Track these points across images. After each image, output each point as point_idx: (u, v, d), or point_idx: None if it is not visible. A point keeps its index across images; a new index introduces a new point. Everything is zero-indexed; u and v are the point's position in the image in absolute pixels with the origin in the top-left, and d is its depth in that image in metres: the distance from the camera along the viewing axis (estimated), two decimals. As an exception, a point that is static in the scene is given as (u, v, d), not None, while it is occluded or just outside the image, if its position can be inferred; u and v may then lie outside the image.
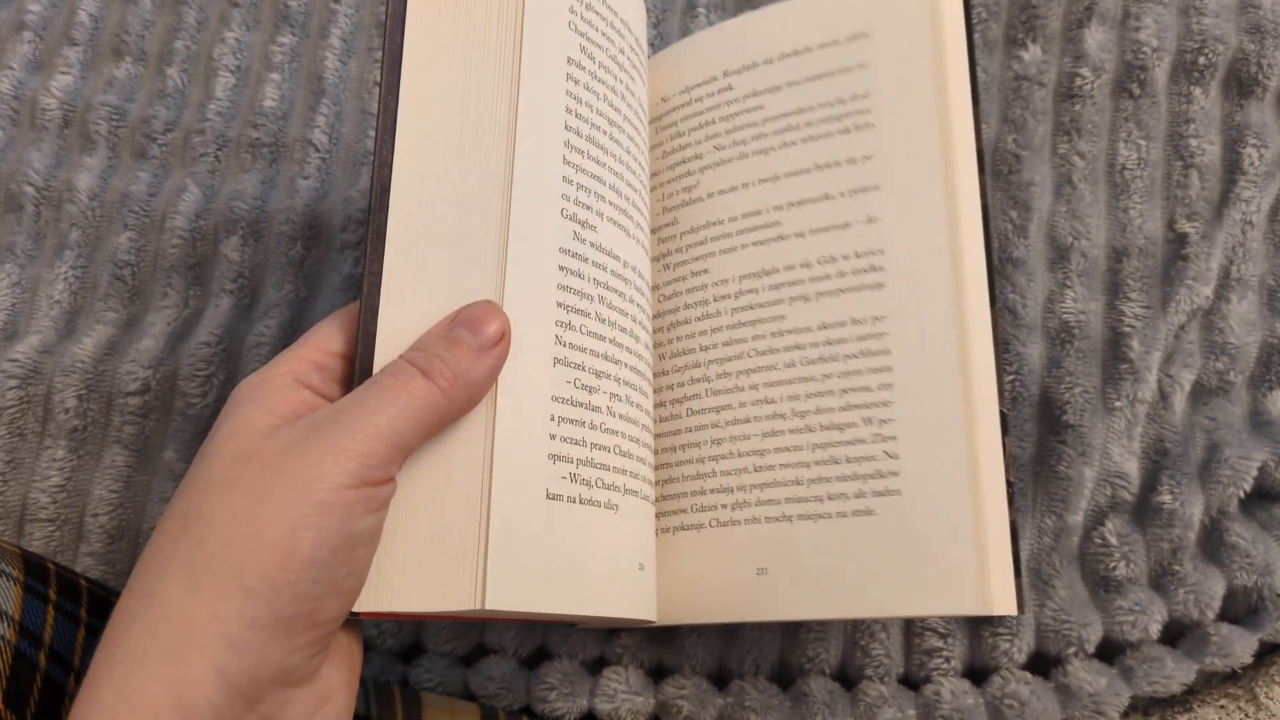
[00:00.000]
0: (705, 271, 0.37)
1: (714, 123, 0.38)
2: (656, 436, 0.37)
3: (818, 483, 0.34)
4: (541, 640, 0.43)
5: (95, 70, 0.53)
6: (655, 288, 0.38)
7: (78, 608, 0.32)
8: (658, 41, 0.51)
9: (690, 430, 0.36)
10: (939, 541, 0.32)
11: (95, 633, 0.32)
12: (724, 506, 0.35)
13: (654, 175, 0.39)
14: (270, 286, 0.47)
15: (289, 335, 0.46)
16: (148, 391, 0.46)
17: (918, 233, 0.34)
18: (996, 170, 0.46)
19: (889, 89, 0.36)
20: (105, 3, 0.54)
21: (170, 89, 0.52)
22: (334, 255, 0.48)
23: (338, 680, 0.29)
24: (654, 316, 0.38)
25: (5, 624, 0.29)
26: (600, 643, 0.42)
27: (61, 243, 0.50)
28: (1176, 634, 0.42)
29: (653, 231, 0.39)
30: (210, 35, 0.53)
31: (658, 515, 0.36)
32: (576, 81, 0.34)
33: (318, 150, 0.50)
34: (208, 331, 0.46)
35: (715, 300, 0.37)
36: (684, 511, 0.36)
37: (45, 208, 0.50)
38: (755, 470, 0.35)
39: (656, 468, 0.36)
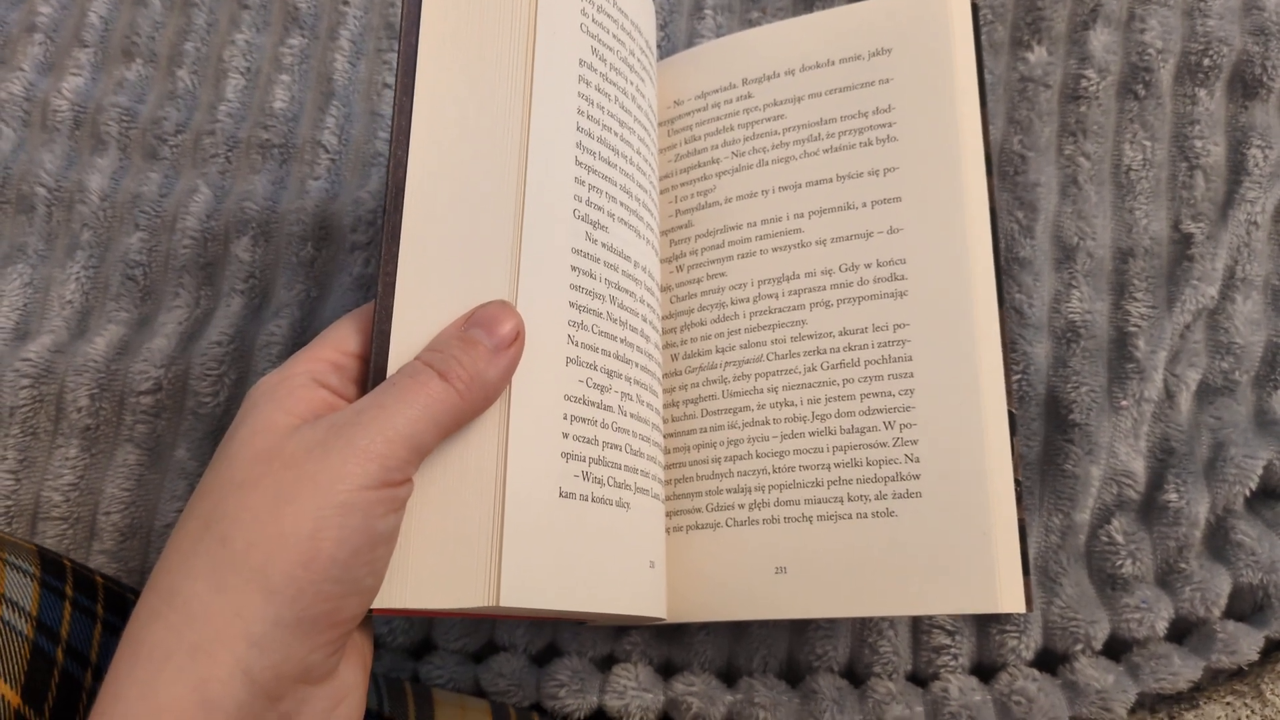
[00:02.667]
0: (722, 275, 0.37)
1: (732, 129, 0.39)
2: (668, 436, 0.37)
3: (838, 484, 0.34)
4: (551, 637, 0.43)
5: (106, 72, 0.53)
6: (667, 289, 0.38)
7: (94, 604, 0.33)
8: (665, 43, 0.51)
9: (705, 430, 0.36)
10: (953, 541, 0.33)
11: (112, 628, 0.33)
12: (741, 506, 0.35)
13: (665, 178, 0.40)
14: (281, 287, 0.48)
15: (300, 335, 0.47)
16: (159, 391, 0.46)
17: (938, 242, 0.35)
18: (1003, 171, 0.47)
19: (911, 103, 0.36)
20: (115, 5, 0.54)
21: (181, 90, 0.52)
22: (344, 256, 0.48)
23: (353, 679, 0.29)
24: (666, 317, 0.38)
25: (23, 619, 0.30)
26: (610, 640, 0.43)
27: (73, 243, 0.50)
28: (1183, 631, 0.42)
29: (664, 233, 0.39)
30: (220, 37, 0.53)
31: (669, 514, 0.36)
32: (588, 83, 0.34)
33: (327, 151, 0.50)
34: (219, 331, 0.47)
35: (733, 303, 0.37)
36: (698, 510, 0.36)
37: (57, 208, 0.51)
38: (774, 471, 0.35)
39: (668, 467, 0.37)
